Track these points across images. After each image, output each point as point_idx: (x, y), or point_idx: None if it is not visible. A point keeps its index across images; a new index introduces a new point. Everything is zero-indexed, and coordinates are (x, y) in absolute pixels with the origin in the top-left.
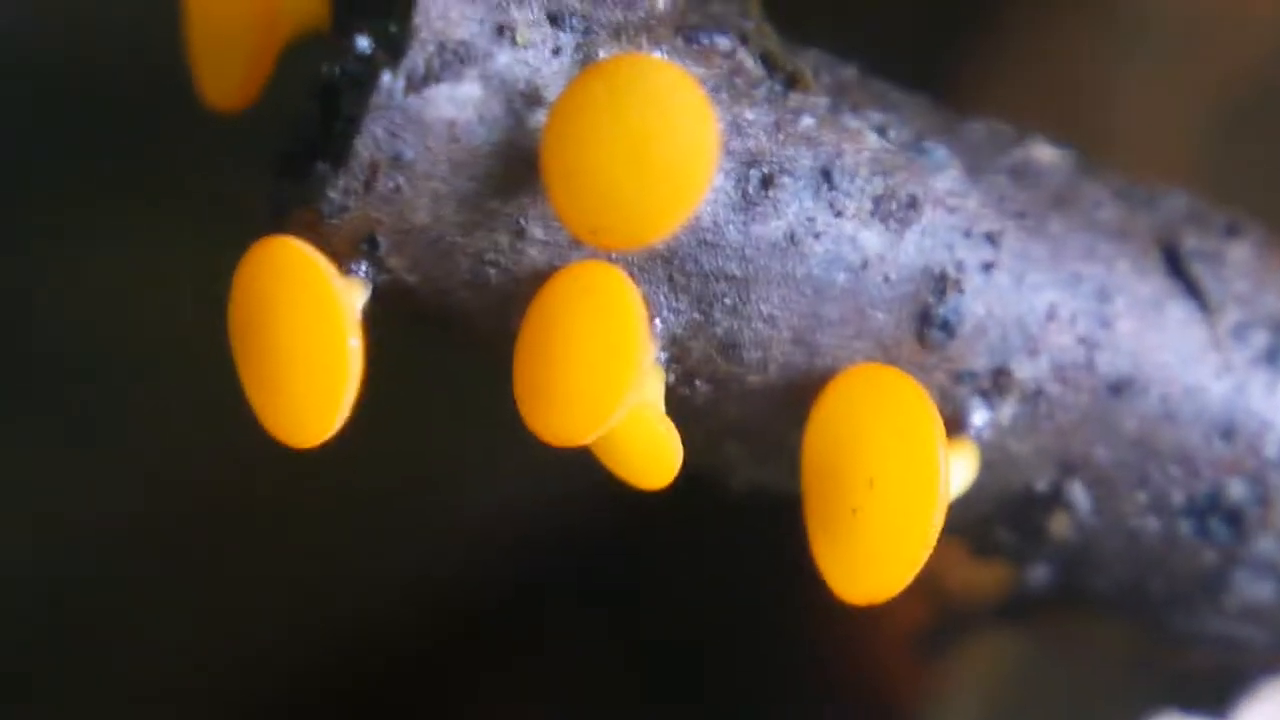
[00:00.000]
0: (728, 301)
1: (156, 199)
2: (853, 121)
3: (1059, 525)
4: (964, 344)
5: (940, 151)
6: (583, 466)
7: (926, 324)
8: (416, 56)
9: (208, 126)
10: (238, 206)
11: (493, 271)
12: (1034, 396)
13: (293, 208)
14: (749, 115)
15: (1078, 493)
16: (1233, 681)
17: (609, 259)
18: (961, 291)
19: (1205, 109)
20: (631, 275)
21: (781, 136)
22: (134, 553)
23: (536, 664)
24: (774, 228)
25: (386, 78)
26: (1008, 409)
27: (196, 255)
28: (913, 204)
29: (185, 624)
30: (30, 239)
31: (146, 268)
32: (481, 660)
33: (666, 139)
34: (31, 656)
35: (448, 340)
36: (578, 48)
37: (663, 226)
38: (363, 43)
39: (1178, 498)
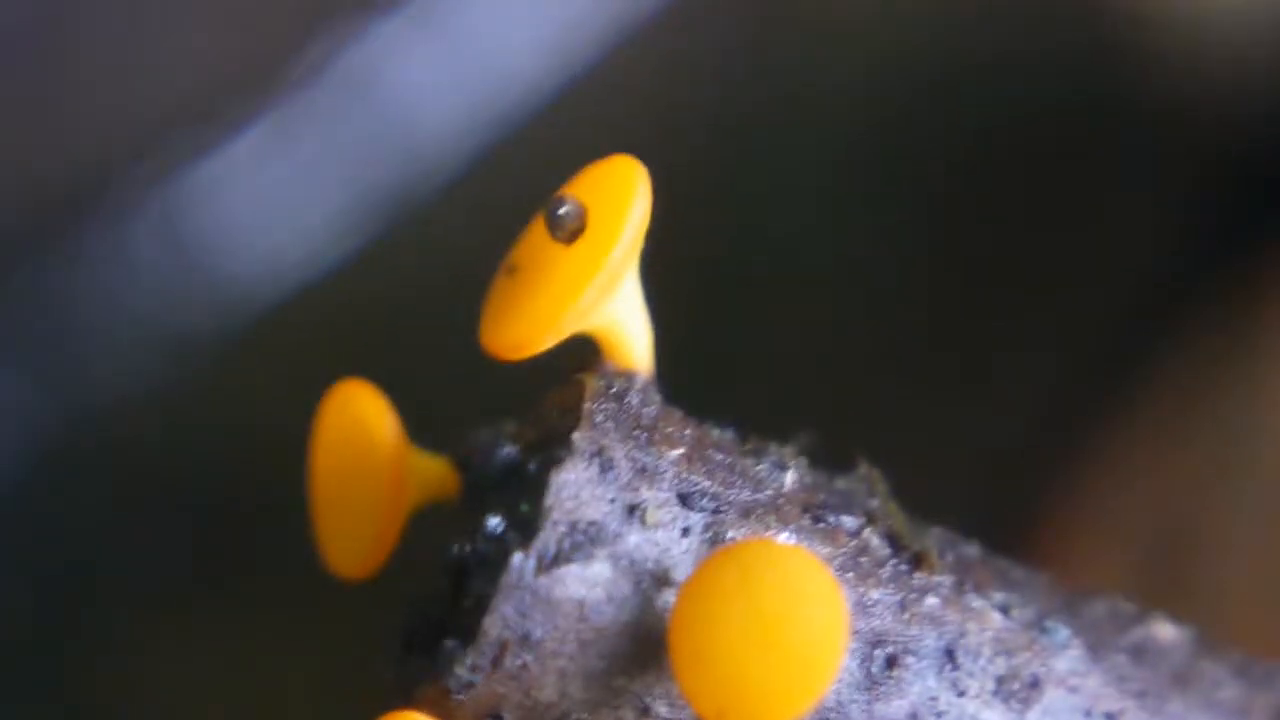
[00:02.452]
0: None
1: (270, 619)
2: (976, 601)
3: None
4: None
5: (1062, 631)
6: None
7: None
8: (548, 537)
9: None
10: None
11: None
12: None
13: (418, 681)
14: (874, 595)
15: None
16: None
17: None
18: None
19: None
20: None
21: (906, 616)
22: None
23: None
24: (896, 707)
25: (518, 559)
26: None
27: (317, 686)
28: (1035, 684)
29: None
30: (123, 638)
31: (249, 689)
32: None
33: (798, 627)
34: None
35: None
36: (706, 527)
37: (792, 713)
38: (494, 524)
39: None
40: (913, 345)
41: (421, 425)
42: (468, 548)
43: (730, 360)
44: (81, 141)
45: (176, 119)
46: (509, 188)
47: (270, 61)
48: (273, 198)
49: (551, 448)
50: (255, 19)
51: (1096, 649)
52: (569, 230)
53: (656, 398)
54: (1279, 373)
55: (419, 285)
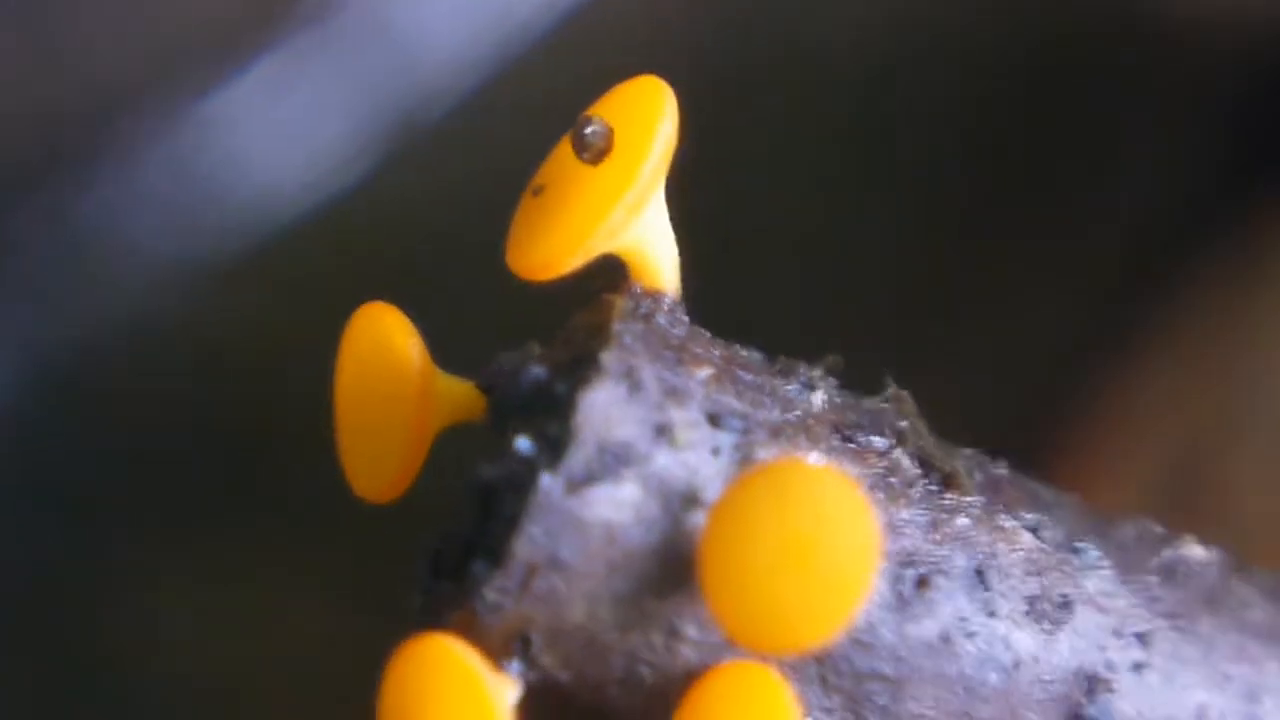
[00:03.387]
0: (880, 701)
1: (291, 543)
2: (1006, 521)
3: None
4: None
5: (1092, 552)
6: None
7: None
8: (577, 458)
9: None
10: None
11: (645, 670)
12: None
13: (446, 604)
14: (904, 515)
15: None
16: None
17: (762, 658)
18: (1112, 691)
19: None
20: (785, 673)
21: (937, 536)
22: None
23: None
24: (927, 628)
25: (546, 480)
26: None
27: (336, 609)
28: (1065, 604)
29: None
30: (138, 569)
31: (269, 616)
32: None
33: (830, 548)
34: None
35: None
36: (736, 448)
37: (823, 634)
38: (523, 445)
39: None
40: (936, 284)
41: (441, 348)
42: (496, 469)
43: (750, 292)
44: (96, 73)
45: (191, 51)
46: (509, 113)
47: None
48: (283, 128)
49: (580, 368)
50: None
51: (1126, 569)
52: (596, 150)
53: (684, 318)
54: None
55: (429, 210)
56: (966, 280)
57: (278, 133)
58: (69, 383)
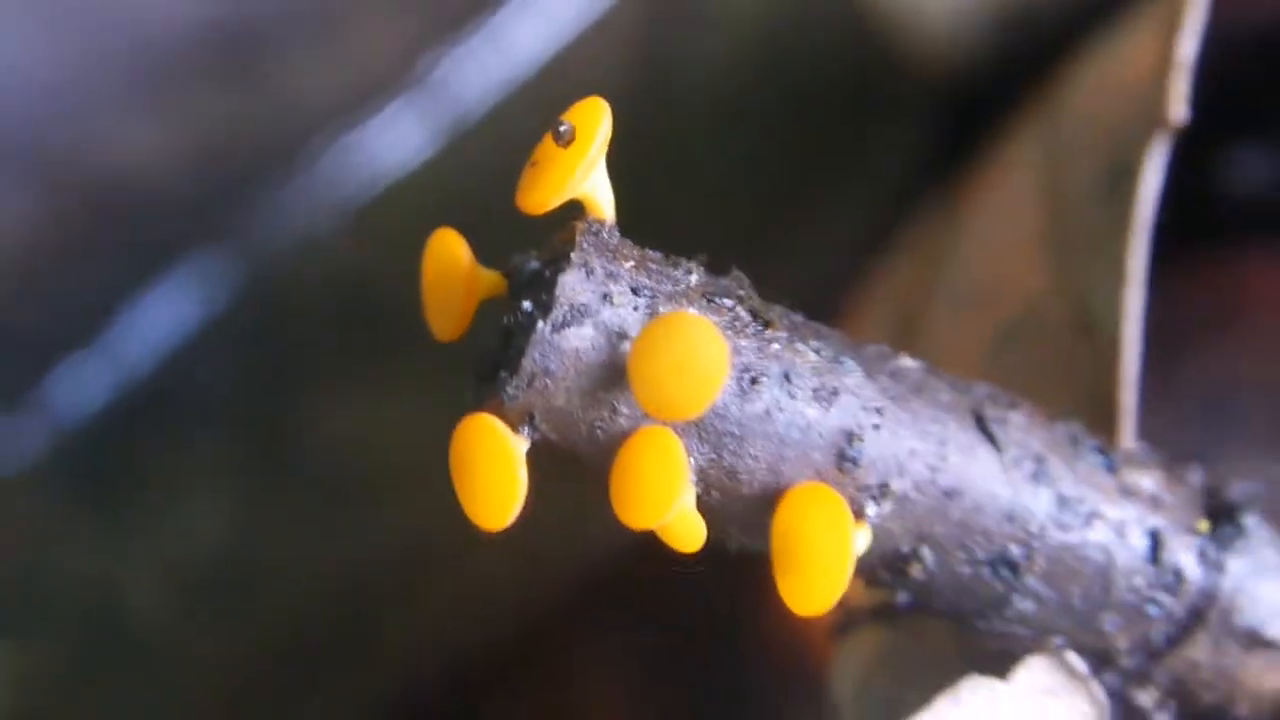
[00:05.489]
0: (731, 448)
1: (402, 375)
2: (800, 346)
3: (915, 571)
4: (864, 471)
5: (850, 362)
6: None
7: (842, 460)
8: (558, 313)
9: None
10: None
11: (600, 433)
12: (902, 499)
13: (485, 397)
14: (743, 344)
15: (926, 553)
16: (1012, 658)
17: (665, 425)
18: (863, 440)
19: (987, 334)
20: (678, 433)
21: (761, 355)
22: (370, 578)
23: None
24: (757, 406)
25: (540, 325)
26: (887, 506)
27: (427, 410)
28: (834, 392)
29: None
30: (318, 394)
31: (391, 416)
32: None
33: (700, 361)
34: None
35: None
36: (647, 307)
37: (696, 410)
38: (527, 306)
39: (981, 555)
40: (766, 213)
41: (482, 253)
42: (512, 320)
43: (655, 219)
44: (290, 112)
45: (345, 105)
46: (511, 128)
47: (398, 69)
48: (392, 145)
49: (559, 263)
50: (386, 42)
51: (870, 372)
52: (565, 140)
53: (617, 234)
54: (972, 219)
55: (470, 182)
56: (786, 212)
57: (389, 148)
58: (282, 293)
